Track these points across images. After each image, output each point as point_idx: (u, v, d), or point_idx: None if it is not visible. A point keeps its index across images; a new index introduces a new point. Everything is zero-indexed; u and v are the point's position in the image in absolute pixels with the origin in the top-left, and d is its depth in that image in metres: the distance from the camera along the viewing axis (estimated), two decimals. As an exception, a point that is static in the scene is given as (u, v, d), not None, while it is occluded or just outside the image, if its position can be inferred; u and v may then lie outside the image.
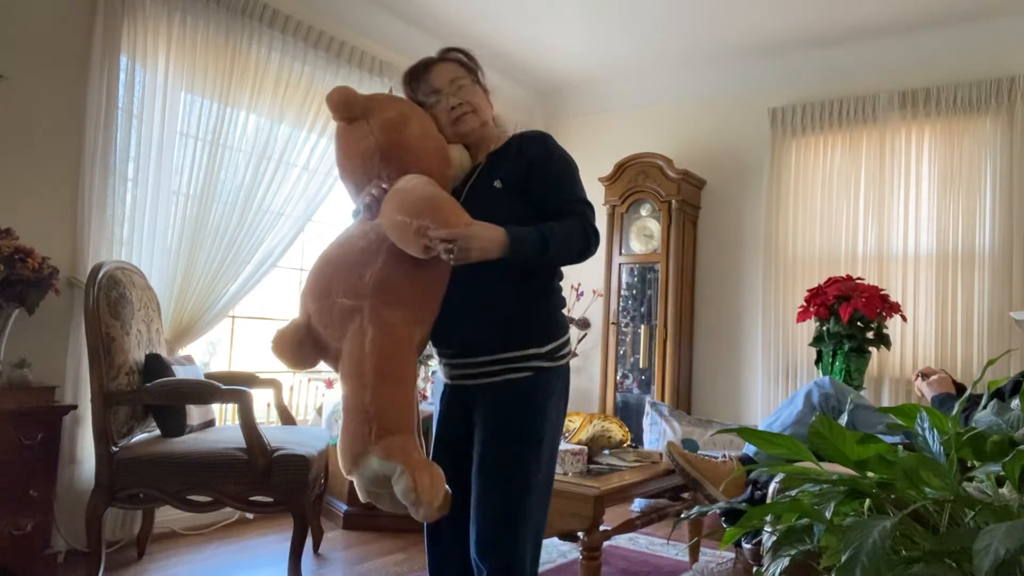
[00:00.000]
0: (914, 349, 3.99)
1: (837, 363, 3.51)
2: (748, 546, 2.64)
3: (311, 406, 4.11)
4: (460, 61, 1.78)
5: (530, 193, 1.66)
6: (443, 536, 1.73)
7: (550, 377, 1.66)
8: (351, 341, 1.56)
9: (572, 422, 2.94)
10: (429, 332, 1.67)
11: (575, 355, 4.80)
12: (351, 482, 1.59)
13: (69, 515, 2.78)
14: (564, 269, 1.74)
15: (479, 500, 1.61)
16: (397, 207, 1.54)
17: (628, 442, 2.99)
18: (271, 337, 1.69)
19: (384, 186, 1.61)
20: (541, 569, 2.96)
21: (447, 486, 1.54)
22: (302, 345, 1.65)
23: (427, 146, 1.68)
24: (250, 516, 3.48)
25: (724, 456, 2.52)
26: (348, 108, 1.66)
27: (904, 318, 3.70)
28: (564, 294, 1.77)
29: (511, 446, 1.61)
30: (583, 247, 1.62)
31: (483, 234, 1.49)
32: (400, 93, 1.80)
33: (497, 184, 1.67)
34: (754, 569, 2.58)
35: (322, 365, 1.74)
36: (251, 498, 2.54)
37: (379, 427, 1.50)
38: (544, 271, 1.69)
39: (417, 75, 1.78)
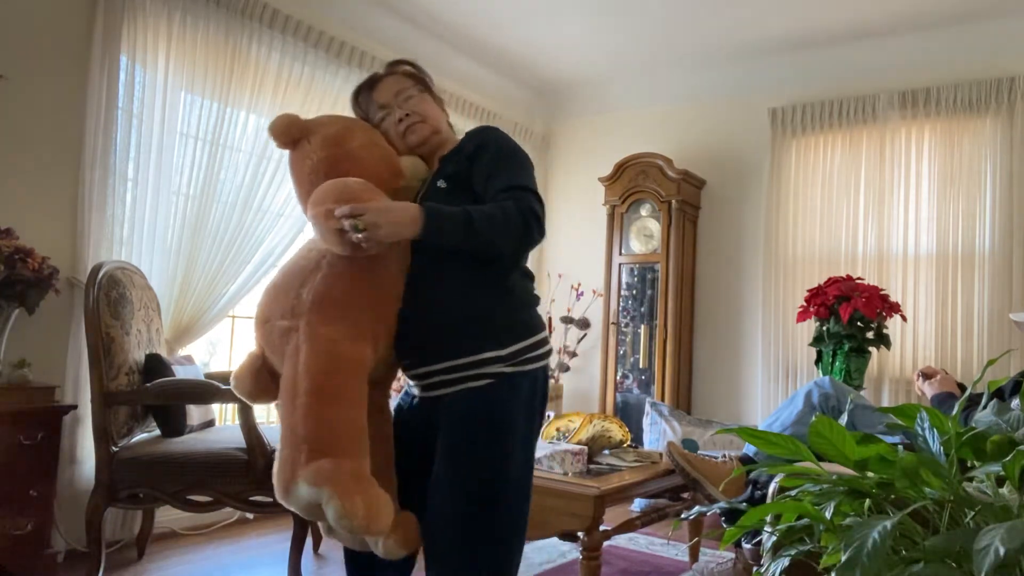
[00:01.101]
0: (914, 349, 3.99)
1: (837, 363, 3.51)
2: (748, 546, 2.64)
3: (311, 406, 4.10)
4: (407, 73, 1.72)
5: (473, 187, 1.55)
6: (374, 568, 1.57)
7: (515, 383, 1.51)
8: (287, 363, 1.46)
9: (572, 422, 2.94)
10: (388, 351, 1.55)
11: (574, 354, 4.80)
12: None
13: (69, 515, 2.78)
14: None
15: (431, 528, 1.45)
16: (310, 204, 1.46)
17: (628, 442, 2.98)
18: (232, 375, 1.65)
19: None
20: (541, 570, 2.96)
21: (412, 514, 1.46)
22: (259, 376, 1.59)
23: (372, 155, 1.61)
24: (250, 516, 3.48)
25: (724, 456, 2.51)
26: (286, 132, 1.61)
27: (904, 318, 3.70)
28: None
29: (472, 464, 1.46)
30: (522, 230, 1.46)
31: (391, 206, 1.41)
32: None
33: (441, 184, 1.59)
34: (754, 569, 2.58)
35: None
36: (251, 498, 2.54)
37: (310, 450, 1.36)
38: (499, 265, 1.55)
39: (364, 93, 1.73)
